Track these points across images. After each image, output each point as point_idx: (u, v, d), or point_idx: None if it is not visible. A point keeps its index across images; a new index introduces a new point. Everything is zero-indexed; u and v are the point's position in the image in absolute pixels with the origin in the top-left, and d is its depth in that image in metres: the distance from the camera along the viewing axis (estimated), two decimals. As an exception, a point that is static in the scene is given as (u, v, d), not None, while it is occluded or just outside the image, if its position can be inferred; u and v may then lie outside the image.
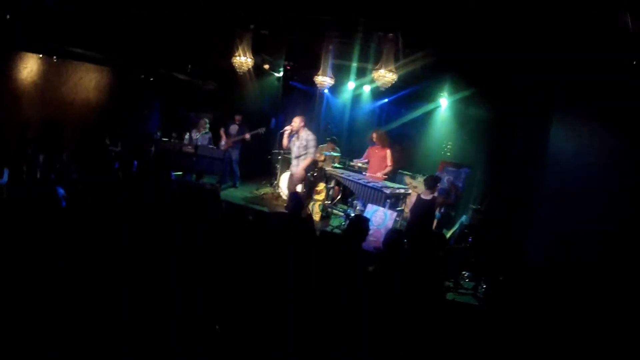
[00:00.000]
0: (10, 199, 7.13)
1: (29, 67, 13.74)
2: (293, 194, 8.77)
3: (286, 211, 8.59)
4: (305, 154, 12.45)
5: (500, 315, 6.02)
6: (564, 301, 7.13)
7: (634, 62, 9.01)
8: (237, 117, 15.68)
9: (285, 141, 12.80)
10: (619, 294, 8.33)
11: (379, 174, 13.60)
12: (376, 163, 13.92)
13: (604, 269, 9.29)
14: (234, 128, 15.68)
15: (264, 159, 16.74)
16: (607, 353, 6.01)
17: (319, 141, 15.24)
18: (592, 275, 9.11)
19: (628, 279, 8.91)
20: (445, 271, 9.38)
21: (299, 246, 6.72)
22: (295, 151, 12.71)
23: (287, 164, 15.44)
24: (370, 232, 10.92)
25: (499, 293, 6.88)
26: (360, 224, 7.41)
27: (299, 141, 12.58)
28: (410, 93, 15.94)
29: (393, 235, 6.99)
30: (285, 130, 12.76)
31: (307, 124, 12.73)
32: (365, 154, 14.52)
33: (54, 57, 14.13)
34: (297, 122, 12.60)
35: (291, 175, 12.97)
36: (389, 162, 13.69)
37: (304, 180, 12.91)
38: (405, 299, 5.69)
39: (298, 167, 12.63)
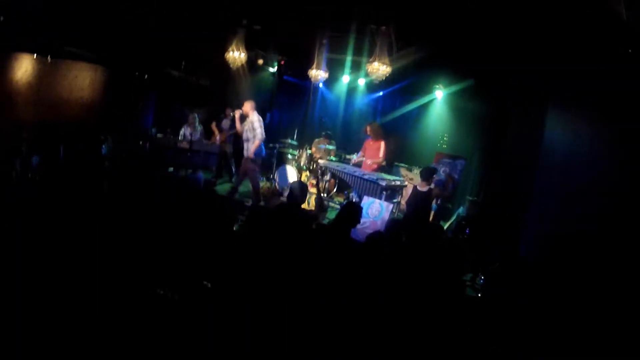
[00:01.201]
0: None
1: (24, 67, 13.68)
2: (298, 183, 8.67)
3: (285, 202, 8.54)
4: (254, 137, 12.44)
5: (498, 306, 6.00)
6: (556, 295, 7.12)
7: (629, 51, 8.99)
8: (229, 111, 15.61)
9: (238, 125, 12.92)
10: (609, 287, 8.34)
11: (369, 161, 13.66)
12: (370, 155, 13.90)
13: (596, 265, 9.27)
14: (226, 122, 15.67)
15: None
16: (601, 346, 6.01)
17: (315, 135, 15.28)
18: (584, 271, 9.08)
19: (620, 274, 8.91)
20: (463, 265, 9.35)
21: (292, 239, 6.71)
22: (244, 135, 12.79)
23: (284, 158, 15.48)
24: (367, 224, 11.00)
25: (496, 284, 6.85)
26: (351, 209, 7.38)
27: (248, 125, 12.64)
28: (406, 86, 15.98)
29: (393, 223, 6.98)
30: (234, 114, 12.96)
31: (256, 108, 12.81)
32: (362, 148, 14.47)
33: (48, 56, 14.10)
34: (247, 106, 12.67)
35: (246, 159, 12.97)
36: (381, 153, 13.64)
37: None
38: (418, 294, 5.67)
39: (249, 150, 12.67)
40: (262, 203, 12.93)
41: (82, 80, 15.24)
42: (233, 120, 14.54)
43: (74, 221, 6.50)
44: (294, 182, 8.60)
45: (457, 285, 6.66)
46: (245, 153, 12.76)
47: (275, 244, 6.50)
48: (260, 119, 12.67)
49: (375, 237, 6.65)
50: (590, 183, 10.14)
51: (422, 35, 12.15)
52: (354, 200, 13.19)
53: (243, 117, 12.85)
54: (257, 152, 12.58)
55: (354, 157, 14.74)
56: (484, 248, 11.10)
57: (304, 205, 11.45)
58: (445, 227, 12.78)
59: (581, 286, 8.21)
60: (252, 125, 12.50)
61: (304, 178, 14.51)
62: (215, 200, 7.55)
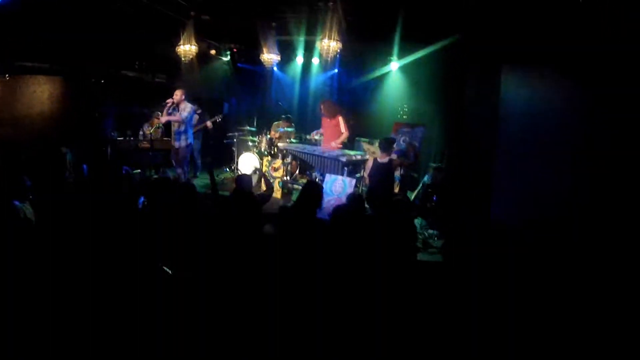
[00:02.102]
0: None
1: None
2: (239, 177, 8.72)
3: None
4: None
5: (458, 269, 6.00)
6: (525, 260, 7.12)
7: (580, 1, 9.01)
8: (196, 108, 15.57)
9: (164, 116, 13.17)
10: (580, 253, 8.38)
11: (333, 144, 13.57)
12: (329, 133, 13.87)
13: (565, 226, 9.31)
14: (195, 118, 15.57)
15: (219, 145, 16.72)
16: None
17: (273, 119, 15.28)
18: (554, 234, 9.11)
19: (590, 237, 8.96)
20: (413, 233, 9.39)
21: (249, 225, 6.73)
22: (176, 125, 13.06)
23: (244, 146, 15.46)
24: (332, 201, 11.01)
25: (456, 248, 6.85)
26: (311, 189, 7.38)
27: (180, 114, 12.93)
28: (360, 60, 15.98)
29: (347, 204, 6.98)
30: (167, 104, 13.11)
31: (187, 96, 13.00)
32: (321, 126, 14.46)
33: (7, 75, 14.01)
34: (178, 94, 12.97)
35: (176, 150, 13.31)
36: (342, 129, 13.61)
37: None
38: (374, 264, 5.69)
39: (180, 141, 13.08)
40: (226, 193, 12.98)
41: (40, 93, 15.12)
42: (200, 114, 14.57)
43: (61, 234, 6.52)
44: (239, 175, 8.72)
45: (407, 252, 6.68)
46: (175, 144, 13.25)
47: (235, 231, 6.51)
48: (192, 107, 13.16)
49: (340, 211, 6.66)
50: (553, 139, 10.19)
51: (368, 9, 12.15)
52: (317, 179, 13.19)
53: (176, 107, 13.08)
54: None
55: (313, 133, 14.84)
56: (453, 214, 11.17)
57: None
58: (412, 197, 12.83)
59: (559, 252, 8.26)
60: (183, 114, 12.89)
61: (265, 163, 14.56)
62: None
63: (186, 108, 13.08)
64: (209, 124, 15.59)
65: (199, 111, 15.25)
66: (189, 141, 13.27)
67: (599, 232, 8.90)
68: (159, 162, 14.88)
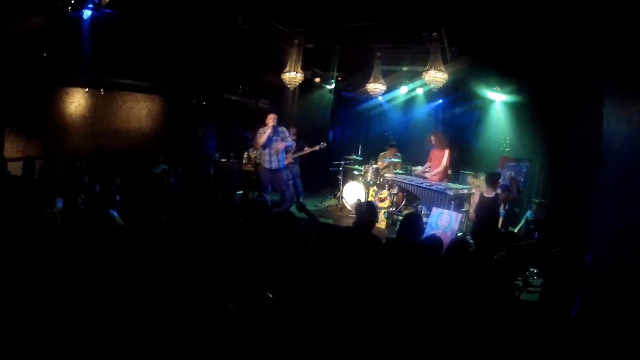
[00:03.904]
0: (64, 226, 7.24)
1: (76, 101, 14.04)
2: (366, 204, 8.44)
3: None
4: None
5: (553, 310, 5.86)
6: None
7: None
8: (292, 131, 15.68)
9: (263, 138, 13.08)
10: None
11: (430, 173, 13.72)
12: (437, 165, 13.91)
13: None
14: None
15: (324, 171, 16.79)
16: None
17: (379, 149, 15.28)
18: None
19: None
20: (513, 270, 9.22)
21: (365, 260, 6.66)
22: (273, 147, 13.08)
23: (350, 175, 15.48)
24: (438, 235, 10.92)
25: (554, 288, 6.68)
26: (409, 219, 7.32)
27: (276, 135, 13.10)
28: (463, 92, 15.87)
29: (456, 243, 6.86)
30: (265, 129, 13.10)
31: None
32: (429, 158, 14.45)
33: (101, 90, 14.35)
34: (272, 119, 13.07)
35: (272, 173, 13.37)
36: (444, 162, 13.70)
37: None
38: (475, 302, 5.60)
39: (275, 163, 13.22)
40: (330, 221, 13.05)
41: (138, 110, 15.55)
42: (297, 140, 14.68)
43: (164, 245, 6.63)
44: (359, 202, 8.55)
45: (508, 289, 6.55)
46: (274, 165, 13.27)
47: (345, 266, 6.48)
48: (278, 129, 13.22)
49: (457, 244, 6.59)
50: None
51: (472, 40, 12.08)
52: (422, 211, 13.12)
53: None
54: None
55: (420, 168, 14.71)
56: (551, 252, 10.93)
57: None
58: (515, 232, 12.63)
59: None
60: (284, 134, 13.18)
61: (371, 193, 14.55)
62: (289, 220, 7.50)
63: (285, 132, 13.27)
64: (307, 149, 15.61)
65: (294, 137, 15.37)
66: (280, 165, 13.34)
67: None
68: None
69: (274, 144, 13.08)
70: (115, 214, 7.21)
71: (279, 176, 13.36)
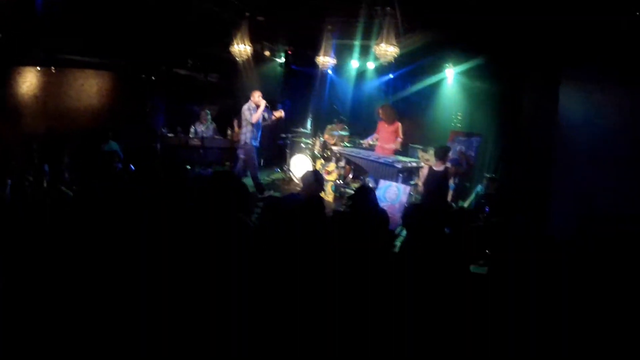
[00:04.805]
0: (14, 206, 7.03)
1: (28, 81, 13.70)
2: (312, 173, 8.43)
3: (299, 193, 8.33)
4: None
5: (503, 283, 5.81)
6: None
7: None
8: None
9: (256, 117, 13.20)
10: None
11: (387, 146, 13.59)
12: (386, 138, 13.82)
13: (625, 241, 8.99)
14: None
15: (271, 145, 16.68)
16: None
17: (327, 122, 15.21)
18: (614, 248, 8.79)
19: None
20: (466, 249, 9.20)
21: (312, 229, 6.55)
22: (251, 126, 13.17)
23: (297, 148, 15.39)
24: (385, 208, 10.85)
25: (504, 261, 6.64)
26: (362, 193, 7.24)
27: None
28: (415, 66, 15.78)
29: (411, 209, 6.77)
30: (257, 108, 13.18)
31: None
32: (376, 131, 14.38)
33: (52, 67, 14.07)
34: (260, 95, 13.26)
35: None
36: (400, 135, 13.62)
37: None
38: (434, 278, 5.52)
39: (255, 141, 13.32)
40: (274, 193, 12.98)
41: (89, 87, 15.24)
42: (267, 110, 14.56)
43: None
44: (307, 172, 8.43)
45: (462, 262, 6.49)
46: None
47: (294, 237, 6.35)
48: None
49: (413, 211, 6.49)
50: (612, 154, 9.92)
51: (427, 15, 12.01)
52: (370, 185, 13.06)
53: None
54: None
55: (366, 140, 14.69)
56: (504, 226, 10.95)
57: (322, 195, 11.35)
58: (465, 206, 12.66)
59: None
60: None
61: (318, 166, 14.43)
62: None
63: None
64: (277, 115, 15.41)
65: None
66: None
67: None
68: (210, 160, 14.87)
69: (261, 122, 13.24)
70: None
71: (254, 154, 13.35)
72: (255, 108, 13.11)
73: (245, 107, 13.17)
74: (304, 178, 8.01)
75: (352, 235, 6.29)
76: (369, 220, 6.79)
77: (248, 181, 12.32)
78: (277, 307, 5.09)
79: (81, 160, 11.21)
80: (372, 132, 14.60)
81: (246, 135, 13.17)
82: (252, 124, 13.03)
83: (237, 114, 15.25)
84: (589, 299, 5.75)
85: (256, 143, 13.22)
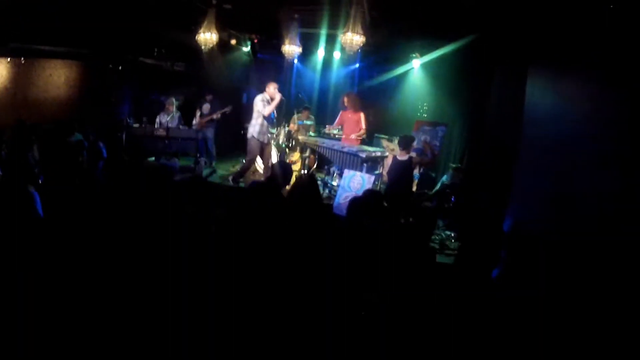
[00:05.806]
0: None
1: (-1, 73, 13.66)
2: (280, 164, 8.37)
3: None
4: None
5: (469, 273, 5.84)
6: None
7: (610, 6, 8.79)
8: (208, 96, 15.67)
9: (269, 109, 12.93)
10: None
11: (352, 136, 13.60)
12: (350, 127, 13.86)
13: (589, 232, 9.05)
14: (206, 107, 15.60)
15: (236, 134, 16.62)
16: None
17: (292, 111, 15.17)
18: (578, 239, 8.83)
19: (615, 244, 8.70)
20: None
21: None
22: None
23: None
24: (349, 197, 10.85)
25: (470, 252, 6.67)
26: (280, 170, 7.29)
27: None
28: (382, 56, 15.78)
29: (363, 197, 6.75)
30: (271, 101, 12.96)
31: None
32: (338, 119, 14.48)
33: (22, 58, 13.99)
34: (276, 87, 13.03)
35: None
36: (363, 125, 13.66)
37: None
38: (393, 264, 5.51)
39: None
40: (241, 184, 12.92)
41: (57, 78, 15.21)
42: (213, 104, 14.46)
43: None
44: (275, 163, 8.41)
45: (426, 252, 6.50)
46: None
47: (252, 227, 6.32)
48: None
49: (357, 203, 6.48)
50: (579, 141, 9.95)
51: (394, 4, 12.00)
52: (335, 174, 13.09)
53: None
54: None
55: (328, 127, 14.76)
56: (470, 215, 11.00)
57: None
58: (426, 191, 12.73)
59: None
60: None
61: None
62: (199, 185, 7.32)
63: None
64: (215, 115, 15.54)
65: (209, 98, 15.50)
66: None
67: (623, 240, 8.68)
68: (175, 150, 14.78)
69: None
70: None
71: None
72: (269, 100, 12.83)
73: (258, 98, 12.91)
74: (273, 170, 7.96)
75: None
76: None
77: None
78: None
79: (48, 152, 11.16)
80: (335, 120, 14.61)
81: (255, 128, 12.89)
82: (264, 117, 12.78)
83: (201, 103, 15.26)
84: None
85: (262, 138, 12.99)
